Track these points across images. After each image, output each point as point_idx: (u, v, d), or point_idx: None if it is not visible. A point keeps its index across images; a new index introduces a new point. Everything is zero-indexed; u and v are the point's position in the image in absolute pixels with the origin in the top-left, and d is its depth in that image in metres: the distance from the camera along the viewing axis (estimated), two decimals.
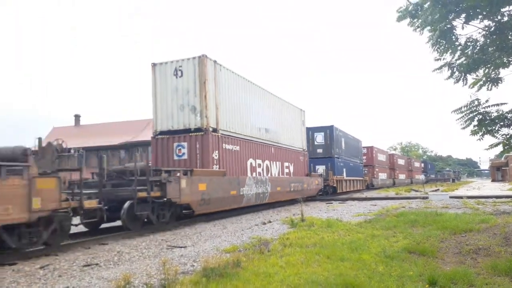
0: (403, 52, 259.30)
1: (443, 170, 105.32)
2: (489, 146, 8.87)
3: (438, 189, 36.56)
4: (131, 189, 10.25)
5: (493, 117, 8.28)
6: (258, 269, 5.90)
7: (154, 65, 14.22)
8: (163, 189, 10.78)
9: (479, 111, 8.32)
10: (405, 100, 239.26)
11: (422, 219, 11.07)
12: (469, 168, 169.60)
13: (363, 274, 5.55)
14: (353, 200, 23.01)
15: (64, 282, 5.69)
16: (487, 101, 8.26)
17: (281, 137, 19.58)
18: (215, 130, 13.64)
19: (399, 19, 8.24)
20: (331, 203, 21.60)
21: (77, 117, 44.46)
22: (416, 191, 32.97)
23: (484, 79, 8.52)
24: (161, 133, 13.91)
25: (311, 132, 26.36)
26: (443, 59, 8.46)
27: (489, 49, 8.17)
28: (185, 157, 13.31)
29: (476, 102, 8.31)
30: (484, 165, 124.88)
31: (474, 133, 8.46)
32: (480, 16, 7.79)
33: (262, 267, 6.00)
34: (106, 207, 9.50)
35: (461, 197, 21.23)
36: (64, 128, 41.78)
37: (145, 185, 10.42)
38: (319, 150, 26.88)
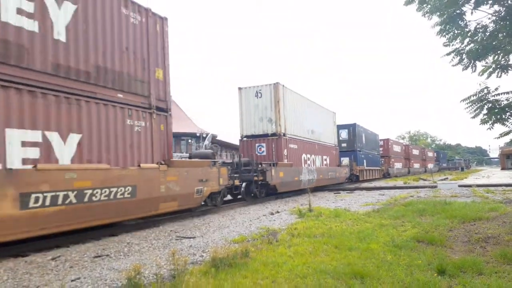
0: (409, 40, 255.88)
1: (454, 159, 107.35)
2: (500, 134, 8.77)
3: (447, 178, 36.34)
4: (251, 174, 16.06)
5: (503, 105, 8.17)
6: (267, 259, 5.94)
7: (240, 88, 18.99)
8: (263, 175, 16.36)
9: (489, 99, 8.21)
10: (413, 88, 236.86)
11: (430, 208, 11.02)
12: (479, 156, 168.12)
13: (371, 264, 5.56)
14: (361, 190, 22.98)
15: (75, 273, 5.79)
16: (496, 89, 8.15)
17: (321, 136, 24.03)
18: (284, 135, 18.45)
19: (407, 3, 8.12)
20: (339, 193, 21.60)
21: None
22: (425, 180, 32.83)
23: (493, 66, 8.39)
24: (246, 136, 18.93)
25: (337, 129, 29.02)
26: (452, 45, 8.34)
27: (499, 35, 8.03)
28: (264, 153, 18.25)
29: (485, 90, 8.19)
30: (494, 153, 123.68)
31: (484, 122, 8.36)
32: (490, 1, 7.65)
33: (270, 257, 6.04)
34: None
35: (470, 186, 21.08)
36: None
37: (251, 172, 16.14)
38: (344, 144, 31.18)
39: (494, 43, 7.99)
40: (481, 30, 8.05)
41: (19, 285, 5.33)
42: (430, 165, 61.07)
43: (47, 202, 7.15)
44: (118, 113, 9.15)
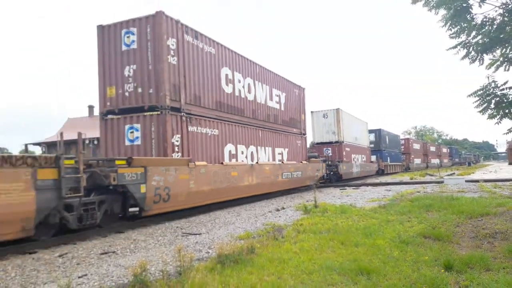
0: (414, 36, 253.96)
1: (464, 154, 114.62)
2: (508, 130, 8.66)
3: (454, 173, 36.07)
4: (331, 167, 25.14)
5: (511, 99, 8.06)
6: (272, 255, 5.93)
7: (312, 112, 28.69)
8: (336, 168, 25.64)
9: (496, 94, 8.11)
10: (419, 83, 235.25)
11: (437, 204, 10.95)
12: (486, 151, 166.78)
13: (377, 260, 5.53)
14: (367, 186, 22.89)
15: (82, 270, 5.83)
16: (505, 83, 8.04)
17: (360, 140, 33.30)
18: (343, 142, 27.93)
19: (414, 1, 8.03)
20: (345, 188, 21.53)
21: (90, 108, 44.90)
22: (431, 175, 32.62)
23: (501, 59, 8.27)
24: (317, 143, 28.53)
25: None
26: (459, 37, 8.24)
27: (507, 28, 7.91)
28: (330, 154, 27.34)
29: (493, 84, 8.09)
30: (501, 148, 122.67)
31: (491, 116, 8.26)
32: None
33: (276, 253, 6.03)
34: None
35: (477, 181, 20.89)
36: (79, 119, 42.32)
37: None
38: (372, 145, 38.66)
39: (501, 36, 7.88)
40: (488, 23, 7.94)
41: (27, 281, 5.38)
42: (447, 160, 72.20)
43: (288, 176, 18.41)
44: (292, 137, 20.27)
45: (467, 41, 8.16)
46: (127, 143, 11.49)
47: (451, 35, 8.20)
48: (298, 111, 21.34)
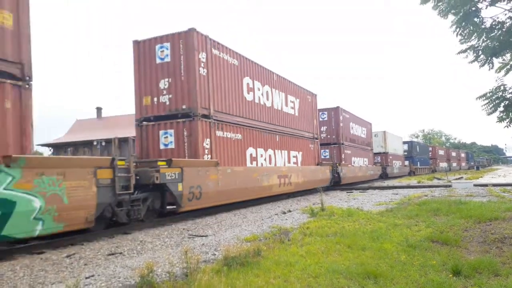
0: (421, 41, 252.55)
1: (477, 158, 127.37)
2: None
3: (462, 177, 35.80)
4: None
5: None
6: (279, 258, 5.92)
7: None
8: (384, 169, 36.37)
9: (506, 97, 8.03)
10: (427, 86, 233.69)
11: (445, 208, 10.86)
12: (494, 155, 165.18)
13: (385, 263, 5.50)
14: (374, 189, 22.79)
15: (89, 271, 5.86)
16: None
17: (398, 150, 43.63)
18: (388, 152, 38.28)
19: (423, 1, 8.00)
20: (352, 192, 21.46)
21: (99, 109, 45.29)
22: (439, 179, 32.39)
23: (511, 63, 8.19)
24: (375, 153, 36.52)
25: (402, 143, 48.46)
26: (468, 41, 8.18)
27: None
28: (380, 160, 36.69)
29: (502, 87, 8.01)
30: (510, 152, 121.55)
31: (500, 119, 8.18)
32: None
33: (282, 256, 6.02)
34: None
35: (486, 185, 20.69)
36: (87, 121, 42.68)
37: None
38: (405, 153, 49.01)
39: (511, 39, 7.81)
40: (497, 27, 7.88)
41: (35, 281, 5.42)
42: (463, 163, 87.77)
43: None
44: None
45: (476, 44, 8.10)
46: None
47: (461, 40, 8.14)
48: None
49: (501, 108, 8.12)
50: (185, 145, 12.18)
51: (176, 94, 12.39)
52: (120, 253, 7.08)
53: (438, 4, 7.82)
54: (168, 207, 10.90)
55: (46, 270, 5.96)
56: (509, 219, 9.02)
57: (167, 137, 12.42)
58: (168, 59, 12.55)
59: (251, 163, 15.10)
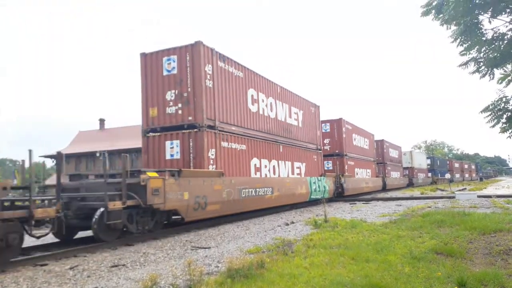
0: (422, 50, 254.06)
1: (484, 170, 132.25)
2: None
3: (465, 188, 35.61)
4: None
5: None
6: (282, 270, 5.90)
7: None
8: (411, 179, 47.71)
9: (508, 108, 8.06)
10: (429, 97, 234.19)
11: (449, 219, 10.80)
12: (498, 166, 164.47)
13: (389, 276, 5.47)
14: (377, 201, 22.70)
15: (93, 283, 5.84)
16: None
17: (421, 165, 53.99)
18: (414, 167, 48.70)
19: (423, 14, 8.08)
20: (355, 203, 21.38)
21: (101, 121, 45.46)
22: (442, 190, 32.23)
23: None
24: (404, 168, 46.38)
25: (425, 158, 59.85)
26: (469, 53, 8.23)
27: None
28: (407, 173, 47.73)
29: (504, 99, 8.04)
30: None
31: (503, 130, 8.20)
32: (508, 10, 7.55)
33: (286, 268, 5.99)
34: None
35: (489, 196, 20.58)
36: (89, 132, 42.84)
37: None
38: (428, 167, 59.10)
39: None
40: (498, 38, 7.93)
41: None
42: (474, 174, 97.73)
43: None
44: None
45: (477, 56, 8.15)
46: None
47: (462, 52, 8.19)
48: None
49: (504, 120, 8.13)
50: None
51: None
52: (123, 265, 7.06)
53: (439, 16, 7.89)
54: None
55: (49, 282, 5.95)
56: None
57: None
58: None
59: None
